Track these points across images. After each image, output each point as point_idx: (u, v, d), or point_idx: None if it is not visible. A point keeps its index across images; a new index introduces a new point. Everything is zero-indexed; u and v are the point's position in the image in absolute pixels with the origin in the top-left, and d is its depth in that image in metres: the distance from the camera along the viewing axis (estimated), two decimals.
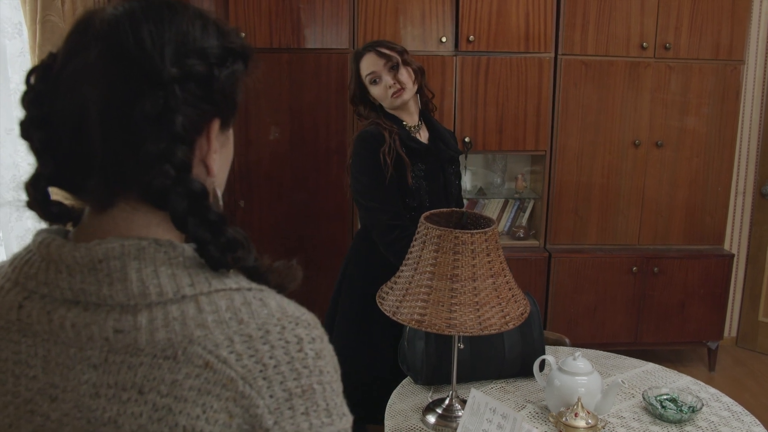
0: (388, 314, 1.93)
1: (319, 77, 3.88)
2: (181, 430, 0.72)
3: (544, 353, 2.20)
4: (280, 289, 0.86)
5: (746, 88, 4.46)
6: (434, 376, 2.20)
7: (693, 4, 3.97)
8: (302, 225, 3.99)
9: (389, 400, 2.16)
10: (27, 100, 0.81)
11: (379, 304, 1.99)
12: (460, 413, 2.00)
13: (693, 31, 4.00)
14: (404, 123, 2.71)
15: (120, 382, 0.74)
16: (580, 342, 2.76)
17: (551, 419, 1.97)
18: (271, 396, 0.74)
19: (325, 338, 0.82)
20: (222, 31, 0.84)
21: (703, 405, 2.01)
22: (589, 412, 1.90)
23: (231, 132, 0.91)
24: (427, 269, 1.90)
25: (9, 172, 2.86)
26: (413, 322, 1.87)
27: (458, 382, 2.11)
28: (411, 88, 2.66)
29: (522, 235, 4.21)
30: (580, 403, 1.89)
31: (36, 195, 0.82)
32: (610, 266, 4.09)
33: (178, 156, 0.76)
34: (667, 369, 2.35)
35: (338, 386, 0.81)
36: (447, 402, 2.06)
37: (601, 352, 2.48)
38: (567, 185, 4.10)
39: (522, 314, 1.93)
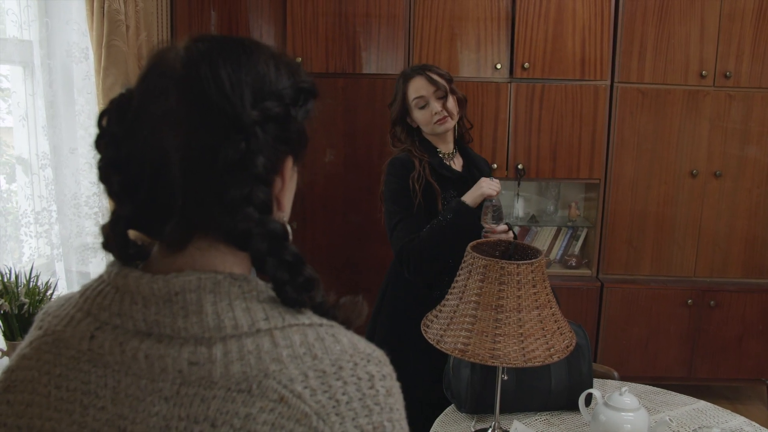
0: (432, 342, 1.93)
1: (374, 102, 3.92)
2: None
3: (591, 387, 2.16)
4: (347, 324, 0.86)
5: None
6: (478, 404, 2.18)
7: (755, 32, 3.89)
8: (354, 247, 4.02)
9: (432, 427, 2.15)
10: (103, 143, 0.83)
11: (423, 332, 1.99)
12: None
13: (755, 58, 3.92)
14: (438, 150, 2.68)
15: (192, 415, 0.73)
16: (631, 375, 2.71)
17: None
18: (341, 429, 0.74)
19: (394, 376, 0.82)
20: (292, 70, 0.86)
21: None
22: None
23: (296, 168, 0.92)
24: (472, 299, 1.90)
25: (71, 190, 2.96)
26: (457, 352, 1.86)
27: (502, 412, 2.10)
28: (454, 118, 2.63)
29: (574, 264, 4.16)
30: None
31: (116, 237, 0.83)
32: (664, 298, 4.00)
33: (260, 197, 0.78)
34: (720, 408, 2.28)
35: (406, 424, 0.81)
36: None
37: (651, 387, 2.43)
38: (621, 214, 4.04)
39: (567, 347, 1.90)
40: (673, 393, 2.39)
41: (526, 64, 3.87)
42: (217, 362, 0.74)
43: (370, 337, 2.83)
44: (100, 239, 0.84)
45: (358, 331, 0.85)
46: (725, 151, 3.98)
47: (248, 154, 0.77)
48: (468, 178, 2.65)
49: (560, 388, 2.21)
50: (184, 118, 0.77)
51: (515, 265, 1.87)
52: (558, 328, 1.92)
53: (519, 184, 4.25)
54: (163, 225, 0.80)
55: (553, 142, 3.96)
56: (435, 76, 2.61)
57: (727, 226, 4.04)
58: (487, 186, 2.47)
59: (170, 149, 0.77)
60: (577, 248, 4.29)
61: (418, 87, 2.62)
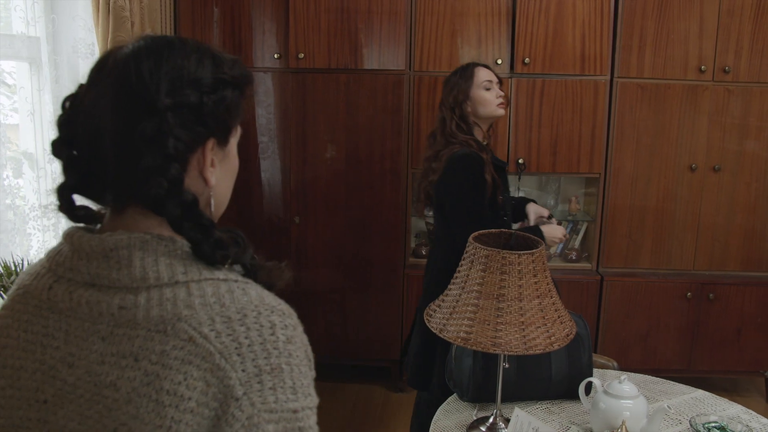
0: (435, 331, 1.96)
1: (376, 97, 3.95)
2: (165, 393, 0.86)
3: (591, 376, 2.20)
4: (269, 285, 1.00)
5: None
6: (480, 393, 2.22)
7: (754, 27, 3.92)
8: (356, 242, 4.05)
9: (434, 416, 2.19)
10: (59, 123, 0.99)
11: (426, 322, 2.02)
12: None
13: (754, 53, 3.95)
14: (477, 140, 2.85)
15: (120, 351, 0.89)
16: (631, 367, 2.74)
17: None
18: (243, 370, 0.87)
19: (299, 328, 0.95)
20: (217, 63, 1.00)
21: None
22: None
23: (231, 148, 1.05)
24: (474, 288, 1.93)
25: None
26: (459, 340, 1.90)
27: (504, 401, 2.13)
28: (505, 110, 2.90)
29: (574, 258, 4.20)
30: (624, 427, 1.89)
31: (62, 201, 1.00)
32: (663, 291, 4.04)
33: (171, 172, 0.92)
34: (718, 396, 2.32)
35: (306, 370, 0.93)
36: (491, 420, 2.08)
37: (650, 377, 2.46)
38: (621, 208, 4.07)
39: (568, 335, 1.94)
40: (672, 382, 2.42)
41: (527, 60, 3.90)
42: (140, 307, 0.89)
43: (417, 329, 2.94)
44: (56, 203, 1.01)
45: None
46: (724, 146, 4.01)
47: (159, 133, 0.91)
48: (505, 167, 2.94)
49: (560, 377, 2.25)
50: (112, 102, 0.93)
51: (516, 255, 1.90)
52: (558, 317, 1.95)
53: (520, 179, 4.28)
54: (102, 191, 0.98)
55: (554, 136, 4.00)
56: (494, 71, 2.91)
57: (725, 220, 4.07)
58: (560, 241, 2.85)
59: (103, 129, 0.93)
60: (577, 242, 4.32)
61: (486, 73, 2.88)
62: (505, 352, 1.87)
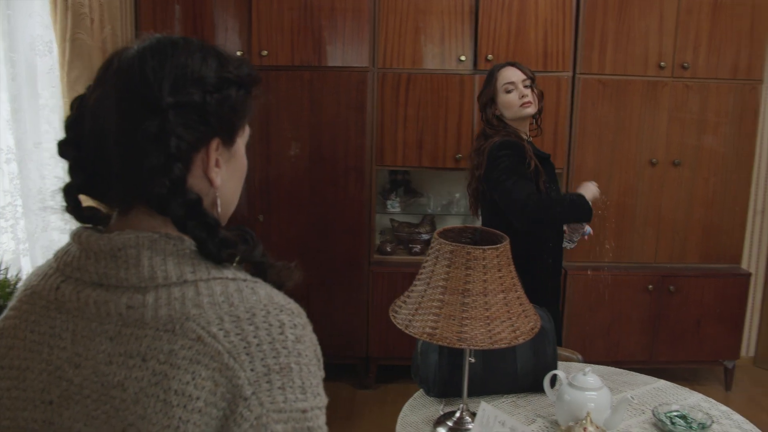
0: (401, 327, 1.97)
1: (339, 95, 3.95)
2: (173, 392, 0.85)
3: (556, 369, 2.22)
4: (278, 285, 0.99)
5: (765, 107, 4.46)
6: (446, 388, 2.23)
7: (711, 24, 4.00)
8: (320, 240, 4.05)
9: (401, 412, 2.19)
10: (66, 125, 0.98)
11: (392, 318, 2.03)
12: (470, 426, 2.03)
13: (711, 50, 4.02)
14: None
15: (128, 351, 0.88)
16: (594, 360, 2.78)
17: None
18: (252, 370, 0.86)
19: (308, 327, 0.94)
20: (222, 62, 0.99)
21: (713, 422, 2.03)
22: (598, 427, 1.92)
23: (238, 148, 1.03)
24: (440, 284, 1.94)
25: (36, 184, 2.95)
26: (425, 336, 1.90)
27: (470, 395, 2.15)
28: (536, 106, 2.87)
29: None
30: (589, 418, 1.91)
31: (69, 201, 0.99)
32: (625, 284, 4.10)
33: (174, 172, 0.91)
34: (679, 386, 2.36)
35: (315, 369, 0.92)
36: (458, 415, 2.09)
37: (614, 368, 2.50)
38: None
39: (532, 329, 1.96)
40: (634, 373, 2.46)
41: (490, 56, 3.93)
42: (148, 307, 0.89)
43: None
44: (63, 204, 1.00)
45: None
46: (683, 141, 4.08)
47: (162, 132, 0.90)
48: (551, 163, 2.94)
49: (526, 371, 2.27)
50: (116, 103, 0.92)
51: (481, 250, 1.92)
52: (523, 311, 1.97)
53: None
54: (108, 191, 0.97)
55: None
56: (523, 67, 2.90)
57: (685, 214, 4.15)
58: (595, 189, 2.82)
59: (108, 129, 0.92)
60: None
61: (509, 74, 2.86)
62: (471, 347, 1.89)
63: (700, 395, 2.30)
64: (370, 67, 3.96)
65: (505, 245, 1.98)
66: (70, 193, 0.98)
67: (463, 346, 1.88)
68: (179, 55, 0.95)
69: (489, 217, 2.94)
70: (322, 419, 0.92)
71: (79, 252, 0.95)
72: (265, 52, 3.86)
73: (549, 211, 2.68)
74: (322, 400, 0.93)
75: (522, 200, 2.63)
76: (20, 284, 1.03)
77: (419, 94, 3.99)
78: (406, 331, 1.94)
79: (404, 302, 2.04)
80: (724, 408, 2.20)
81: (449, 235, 2.11)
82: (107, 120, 0.93)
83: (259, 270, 0.99)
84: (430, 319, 1.92)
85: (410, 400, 2.27)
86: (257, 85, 1.05)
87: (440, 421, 2.10)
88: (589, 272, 4.11)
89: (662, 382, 2.39)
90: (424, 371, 2.27)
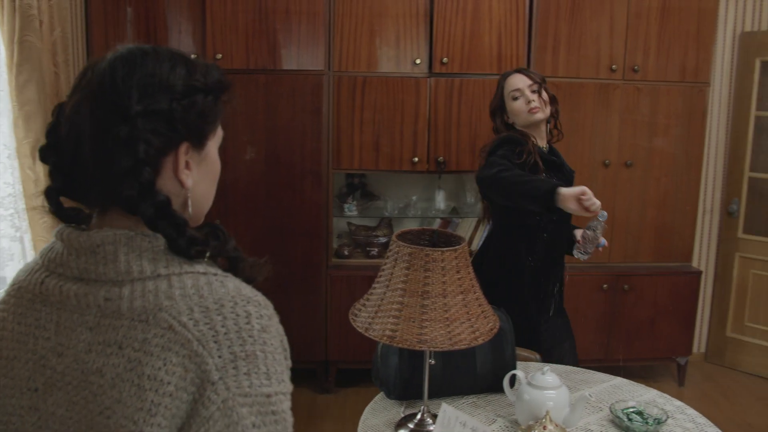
0: (360, 330, 1.97)
1: (295, 98, 3.93)
2: (146, 378, 0.92)
3: (515, 369, 2.24)
4: (249, 279, 1.06)
5: (712, 109, 4.58)
6: (407, 391, 2.24)
7: (660, 28, 4.08)
8: (277, 244, 4.02)
9: (362, 416, 2.19)
10: (46, 131, 1.05)
11: (351, 321, 2.02)
12: (431, 428, 2.04)
13: (660, 53, 4.11)
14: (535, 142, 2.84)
15: (106, 340, 0.95)
16: (551, 359, 2.81)
17: None
18: (219, 357, 0.93)
19: (275, 318, 1.02)
20: (190, 70, 1.05)
21: (668, 417, 2.07)
22: (557, 425, 1.94)
23: (209, 151, 1.10)
24: (399, 286, 1.95)
25: None
26: (385, 338, 1.90)
27: (431, 397, 2.15)
28: (546, 111, 2.83)
29: None
30: (548, 417, 1.93)
31: (51, 203, 1.06)
32: (581, 284, 4.15)
33: (143, 176, 0.97)
34: (635, 383, 2.40)
35: (281, 358, 0.99)
36: (419, 417, 2.09)
37: (570, 367, 2.53)
38: None
39: (491, 330, 1.97)
40: (592, 371, 2.50)
41: (445, 59, 3.95)
42: (124, 299, 0.96)
43: None
44: (46, 206, 1.07)
45: None
46: (635, 142, 4.16)
47: (131, 138, 0.97)
48: (564, 168, 2.90)
49: (485, 371, 2.28)
50: (89, 110, 0.99)
51: (440, 252, 1.93)
52: (482, 312, 1.99)
53: (440, 177, 4.34)
54: (86, 193, 1.04)
55: (472, 135, 4.06)
56: (530, 73, 2.88)
57: (638, 214, 4.22)
58: (580, 203, 2.37)
59: (83, 135, 0.99)
60: None
61: (515, 81, 2.86)
62: (431, 349, 1.89)
63: (655, 391, 2.34)
64: (326, 71, 3.95)
65: (463, 247, 1.99)
66: (51, 195, 1.05)
67: (423, 348, 1.89)
68: (148, 64, 1.01)
69: (497, 217, 2.96)
70: (286, 404, 0.99)
71: (62, 249, 1.03)
72: (219, 56, 3.83)
73: (504, 180, 2.55)
74: (287, 386, 0.99)
75: (492, 172, 2.61)
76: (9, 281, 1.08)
77: (375, 97, 4.00)
78: (366, 334, 1.94)
79: (364, 305, 2.04)
80: (678, 403, 2.24)
81: (408, 237, 2.12)
82: (82, 126, 0.99)
83: (231, 264, 1.06)
84: (390, 321, 1.92)
85: (371, 403, 2.26)
86: (226, 90, 1.11)
87: (401, 424, 2.11)
88: None
89: (618, 380, 2.42)
90: (385, 374, 2.27)
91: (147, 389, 0.92)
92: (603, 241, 2.69)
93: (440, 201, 4.40)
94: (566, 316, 3.04)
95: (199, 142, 1.07)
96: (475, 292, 2.00)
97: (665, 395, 2.31)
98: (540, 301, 2.88)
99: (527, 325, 2.73)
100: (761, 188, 4.65)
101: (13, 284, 1.09)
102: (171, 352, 0.93)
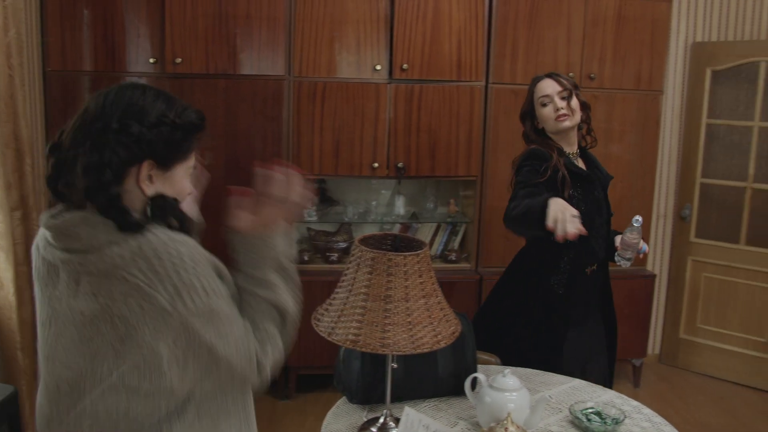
0: (323, 335, 1.97)
1: (255, 103, 3.92)
2: (115, 317, 1.32)
3: (476, 372, 2.27)
4: (186, 232, 1.43)
5: (665, 117, 4.68)
6: (369, 395, 2.24)
7: (615, 37, 4.17)
8: None
9: (325, 420, 2.19)
10: (50, 148, 1.43)
11: (314, 326, 2.03)
12: (394, 431, 2.05)
13: (616, 62, 4.20)
14: (563, 150, 2.76)
15: (86, 291, 1.34)
16: (511, 362, 2.83)
17: None
18: (166, 291, 1.30)
19: (199, 248, 1.39)
20: (169, 106, 1.39)
21: (625, 417, 2.11)
22: (518, 427, 1.96)
23: (175, 173, 1.43)
24: (362, 291, 1.95)
25: None
26: (348, 342, 1.91)
27: (393, 401, 2.16)
28: (575, 118, 2.74)
29: (454, 258, 4.31)
30: (509, 419, 1.96)
31: (50, 189, 1.42)
32: None
33: (104, 174, 1.32)
34: (593, 384, 2.45)
35: (213, 274, 1.39)
36: (381, 420, 2.10)
37: (530, 369, 2.57)
38: (497, 210, 4.20)
39: (453, 333, 1.99)
40: (551, 374, 2.54)
41: (405, 66, 3.98)
42: (92, 263, 1.33)
43: (484, 314, 2.98)
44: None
45: None
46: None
47: (104, 145, 1.32)
48: (593, 177, 2.80)
49: (447, 375, 2.30)
50: (81, 124, 1.37)
51: (402, 257, 1.94)
52: (444, 316, 2.00)
53: (399, 183, 4.36)
54: (68, 187, 1.37)
55: (432, 141, 4.09)
56: (561, 79, 2.78)
57: None
58: (559, 218, 2.19)
59: (76, 138, 1.36)
60: (456, 243, 4.44)
61: (544, 86, 2.78)
62: (394, 353, 1.90)
63: (613, 392, 2.39)
64: (286, 76, 3.95)
65: (425, 251, 2.00)
66: (49, 183, 1.41)
67: (386, 352, 1.90)
68: (134, 95, 1.37)
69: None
70: (224, 306, 1.39)
71: (46, 231, 1.41)
72: (179, 60, 3.80)
73: (511, 213, 2.54)
74: (222, 293, 1.39)
75: (510, 207, 2.58)
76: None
77: (335, 103, 4.00)
78: (330, 339, 1.94)
79: (326, 310, 2.05)
80: (635, 403, 2.29)
81: (370, 242, 2.13)
82: (77, 133, 1.37)
83: (179, 224, 1.43)
84: (353, 326, 1.93)
85: (333, 408, 2.27)
86: (198, 131, 1.45)
87: (364, 428, 2.11)
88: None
89: (577, 381, 2.47)
90: (347, 378, 2.28)
91: (118, 325, 1.32)
92: (644, 247, 2.65)
93: (400, 206, 4.42)
94: (609, 324, 3.01)
95: (164, 164, 1.39)
96: (437, 297, 2.01)
97: (622, 396, 2.36)
98: (566, 314, 2.75)
99: (549, 341, 2.73)
100: (712, 194, 4.78)
101: (36, 245, 1.47)
102: (130, 297, 1.30)
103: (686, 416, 4.12)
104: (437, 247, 4.43)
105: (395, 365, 2.09)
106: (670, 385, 4.58)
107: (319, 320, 2.03)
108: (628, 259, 2.64)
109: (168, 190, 1.41)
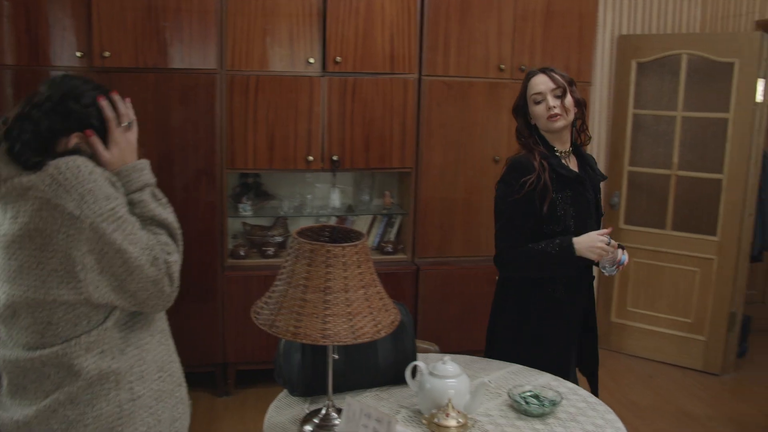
0: (264, 328, 1.96)
1: (187, 98, 3.86)
2: (33, 230, 1.55)
3: (416, 360, 2.29)
4: (80, 153, 1.65)
5: (594, 107, 4.80)
6: (311, 387, 2.24)
7: (544, 30, 4.26)
8: None
9: (267, 414, 2.18)
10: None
11: (254, 319, 2.02)
12: (336, 422, 2.06)
13: (545, 54, 4.28)
14: (555, 148, 2.65)
15: (12, 215, 1.58)
16: (449, 350, 2.87)
17: (424, 421, 2.06)
18: (71, 199, 1.54)
19: (92, 166, 1.60)
20: (100, 93, 1.71)
21: (562, 399, 2.17)
22: (459, 412, 2.00)
23: (114, 138, 1.73)
24: (301, 282, 1.95)
25: None
26: (289, 335, 1.91)
27: (334, 392, 2.17)
28: (568, 117, 2.61)
29: (391, 250, 4.34)
30: (450, 404, 1.99)
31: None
32: (474, 277, 4.27)
33: (34, 141, 1.61)
34: (530, 369, 2.50)
35: (108, 184, 1.61)
36: (323, 412, 2.11)
37: (469, 356, 2.61)
38: (432, 201, 4.26)
39: (393, 323, 2.01)
40: (489, 360, 2.59)
41: (338, 59, 3.98)
42: (10, 189, 1.57)
43: (492, 332, 2.87)
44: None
45: None
46: None
47: (42, 116, 1.63)
48: (584, 179, 2.67)
49: (387, 364, 2.32)
50: (28, 100, 1.67)
51: (341, 248, 1.94)
52: (383, 306, 2.02)
53: (335, 176, 4.36)
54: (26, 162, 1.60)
55: (366, 133, 4.11)
56: (555, 75, 2.64)
57: None
58: (598, 252, 2.49)
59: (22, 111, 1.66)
60: (392, 235, 4.47)
61: (537, 83, 2.64)
62: (335, 343, 1.91)
63: (549, 375, 2.45)
64: (219, 70, 3.90)
65: (363, 242, 2.01)
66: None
67: (327, 343, 1.90)
68: (75, 82, 1.70)
69: None
70: (123, 210, 1.62)
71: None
72: (107, 53, 3.71)
73: (521, 268, 2.60)
74: (118, 199, 1.62)
75: (500, 252, 2.62)
76: None
77: (269, 97, 3.98)
78: (270, 332, 1.94)
79: (266, 303, 2.04)
80: (570, 385, 2.36)
81: (307, 234, 2.12)
82: (24, 106, 1.66)
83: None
84: (293, 317, 1.93)
85: (275, 401, 2.26)
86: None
87: (306, 420, 2.11)
88: (439, 267, 4.25)
89: (515, 366, 2.52)
90: (288, 371, 2.27)
91: (35, 237, 1.55)
92: (623, 258, 2.61)
93: (335, 199, 4.42)
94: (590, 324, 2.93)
95: (101, 136, 1.70)
96: (376, 287, 2.02)
97: (558, 378, 2.42)
98: (569, 320, 2.72)
99: (561, 351, 2.69)
100: (640, 181, 4.93)
101: None
102: (42, 211, 1.54)
103: (618, 396, 4.26)
104: (374, 239, 4.45)
105: (336, 356, 2.09)
106: (603, 367, 4.65)
107: (258, 313, 2.02)
108: (610, 271, 2.62)
109: (120, 153, 1.74)
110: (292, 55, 3.97)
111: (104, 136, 1.69)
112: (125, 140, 1.76)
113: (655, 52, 4.77)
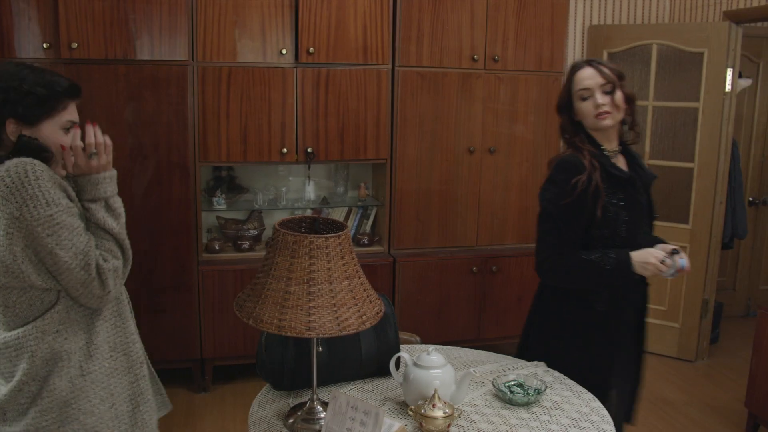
0: (247, 321, 1.93)
1: (159, 90, 3.80)
2: None
3: (399, 351, 2.28)
4: (46, 161, 1.80)
5: None
6: (294, 381, 2.22)
7: (517, 21, 4.26)
8: (146, 241, 3.88)
9: (251, 409, 2.16)
10: None
11: (236, 312, 1.99)
12: (321, 415, 2.03)
13: (518, 44, 4.29)
14: (602, 147, 2.44)
15: None
16: (427, 341, 2.87)
17: (411, 412, 2.04)
18: (15, 202, 1.68)
19: (43, 169, 1.72)
20: (36, 78, 1.82)
21: (546, 387, 2.17)
22: (445, 403, 1.99)
23: (42, 128, 1.83)
24: (284, 274, 1.92)
25: None
26: (273, 328, 1.88)
27: (318, 385, 2.15)
28: (618, 115, 2.41)
29: (367, 242, 4.32)
30: (436, 395, 1.98)
31: None
32: (451, 268, 4.28)
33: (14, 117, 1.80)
34: (515, 359, 2.51)
35: (55, 188, 1.73)
36: (308, 405, 2.08)
37: (451, 347, 2.60)
38: (408, 192, 4.25)
39: (377, 313, 1.99)
40: (472, 350, 2.59)
41: (311, 49, 3.94)
42: None
43: (527, 336, 2.66)
44: None
45: None
46: (497, 130, 4.32)
47: (8, 102, 1.78)
48: (636, 179, 2.46)
49: (370, 356, 2.30)
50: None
51: (323, 239, 1.92)
52: (368, 297, 2.00)
53: (309, 168, 4.33)
54: None
55: (340, 124, 4.08)
56: (604, 69, 2.41)
57: (502, 198, 4.39)
58: (652, 270, 2.34)
59: None
60: (368, 227, 4.45)
61: (584, 77, 2.41)
62: (320, 335, 1.88)
63: (534, 364, 2.45)
64: (190, 61, 3.84)
65: (346, 232, 1.99)
66: None
67: (311, 335, 1.88)
68: (14, 68, 1.83)
69: None
70: (65, 217, 1.74)
71: None
72: (75, 45, 3.63)
73: (568, 278, 2.41)
74: (61, 205, 1.74)
75: (545, 259, 2.42)
76: None
77: (241, 88, 3.93)
78: (254, 325, 1.91)
79: (249, 296, 2.01)
80: (556, 374, 2.36)
81: (288, 225, 2.10)
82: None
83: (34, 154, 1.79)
84: (277, 310, 1.90)
85: (258, 396, 2.23)
86: (61, 96, 1.85)
87: (291, 414, 2.09)
88: (416, 258, 4.24)
89: (500, 357, 2.52)
90: (270, 365, 2.24)
91: None
92: (681, 262, 2.36)
93: (310, 191, 4.39)
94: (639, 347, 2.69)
95: (27, 122, 1.81)
96: (359, 278, 2.01)
97: (542, 364, 2.42)
98: (611, 334, 2.49)
99: (599, 363, 2.45)
100: None
101: None
102: None
103: None
104: (349, 232, 4.42)
105: (320, 349, 2.07)
106: None
107: (241, 306, 1.99)
108: (669, 274, 2.40)
109: (42, 140, 1.82)
110: (265, 46, 3.93)
111: (34, 120, 1.81)
112: (88, 167, 1.87)
113: (625, 42, 4.80)
